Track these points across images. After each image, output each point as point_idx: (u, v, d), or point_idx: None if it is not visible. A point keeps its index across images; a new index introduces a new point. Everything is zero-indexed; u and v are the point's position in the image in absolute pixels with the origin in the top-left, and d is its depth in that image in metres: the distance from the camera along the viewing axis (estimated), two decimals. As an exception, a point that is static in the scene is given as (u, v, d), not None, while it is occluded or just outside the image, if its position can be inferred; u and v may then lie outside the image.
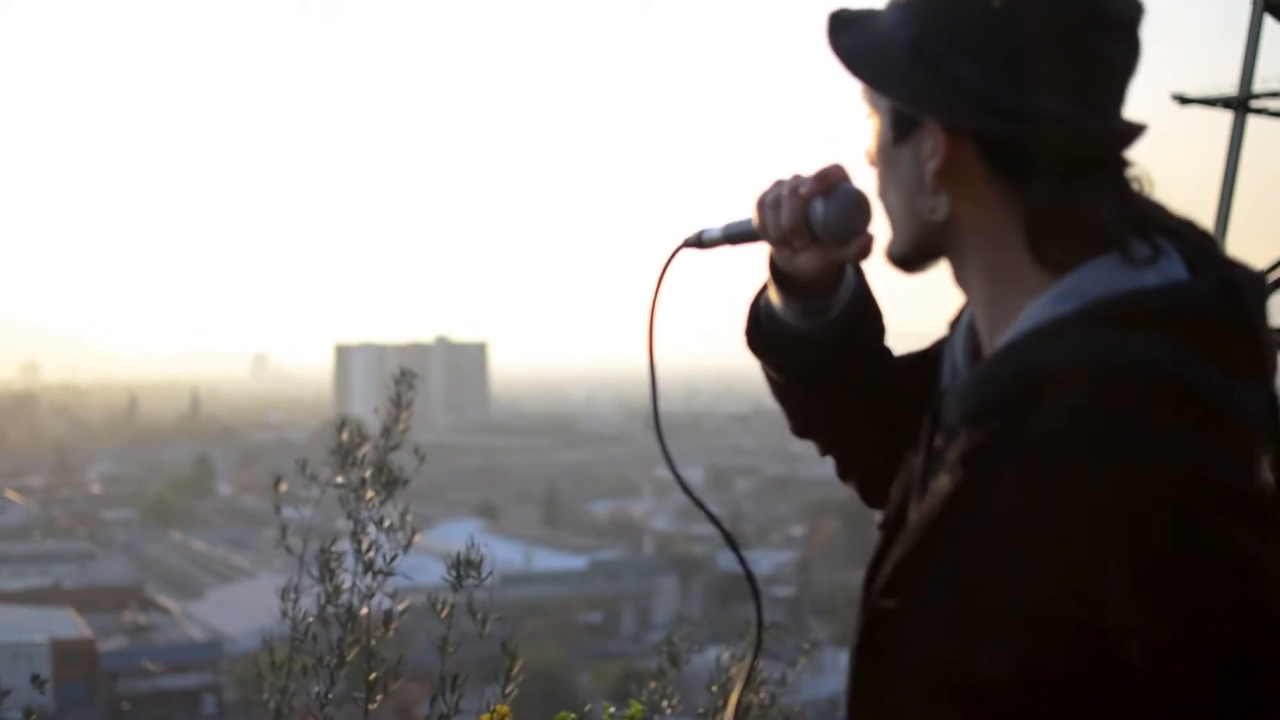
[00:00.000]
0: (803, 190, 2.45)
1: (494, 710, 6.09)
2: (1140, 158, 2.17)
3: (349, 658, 6.24)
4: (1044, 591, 1.90)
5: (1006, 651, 1.93)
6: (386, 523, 6.40)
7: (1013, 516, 1.96)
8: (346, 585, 6.33)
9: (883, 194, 2.30)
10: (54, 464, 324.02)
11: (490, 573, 5.94)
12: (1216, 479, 1.90)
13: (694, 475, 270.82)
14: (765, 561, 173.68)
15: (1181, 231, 2.18)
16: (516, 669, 5.88)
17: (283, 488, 6.49)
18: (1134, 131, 2.15)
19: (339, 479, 6.25)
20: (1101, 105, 2.13)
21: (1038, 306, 2.13)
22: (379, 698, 6.14)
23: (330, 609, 6.27)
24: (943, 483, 2.13)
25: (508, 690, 5.98)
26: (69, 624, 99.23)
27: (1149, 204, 2.19)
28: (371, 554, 6.43)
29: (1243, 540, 1.89)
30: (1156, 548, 1.86)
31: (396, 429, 6.44)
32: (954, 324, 2.44)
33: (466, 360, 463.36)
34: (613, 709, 6.35)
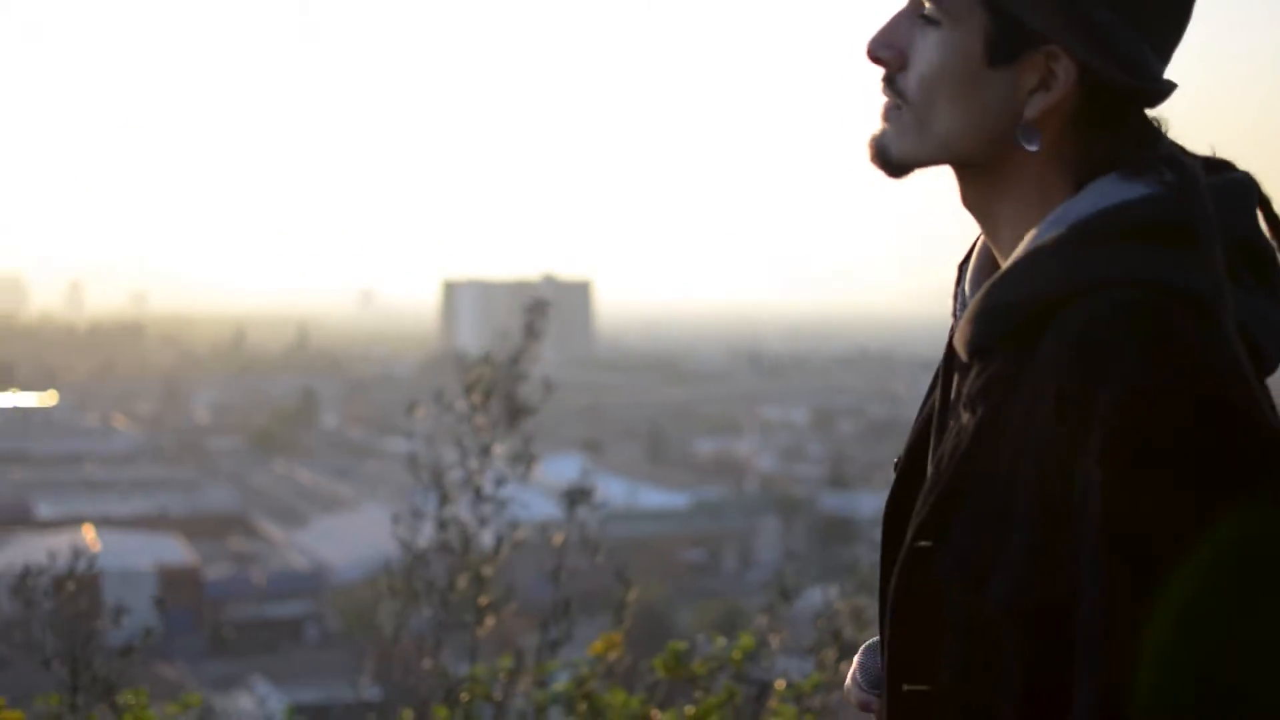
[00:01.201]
0: None
1: (607, 637, 6.06)
2: None
3: (460, 585, 6.24)
4: (1066, 502, 2.00)
5: (1029, 575, 2.03)
6: (503, 451, 6.39)
7: (1026, 449, 2.07)
8: (462, 514, 6.35)
9: (930, 102, 2.25)
10: (162, 393, 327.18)
11: (603, 502, 5.92)
12: (1216, 369, 2.00)
13: (797, 417, 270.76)
14: (868, 504, 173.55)
15: (1184, 160, 2.22)
16: (631, 598, 5.85)
17: (420, 412, 6.49)
18: (1173, 90, 2.22)
19: (462, 407, 6.20)
20: (1167, 63, 2.23)
21: (1033, 233, 2.20)
22: (488, 622, 6.12)
23: (445, 536, 6.28)
24: (963, 420, 2.22)
25: (622, 619, 5.95)
26: (175, 550, 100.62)
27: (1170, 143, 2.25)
28: (487, 483, 6.44)
29: (1270, 428, 1.99)
30: (1166, 445, 1.95)
31: (525, 359, 6.40)
32: (963, 264, 2.46)
33: (572, 298, 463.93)
34: (724, 641, 6.32)
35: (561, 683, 6.24)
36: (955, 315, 2.39)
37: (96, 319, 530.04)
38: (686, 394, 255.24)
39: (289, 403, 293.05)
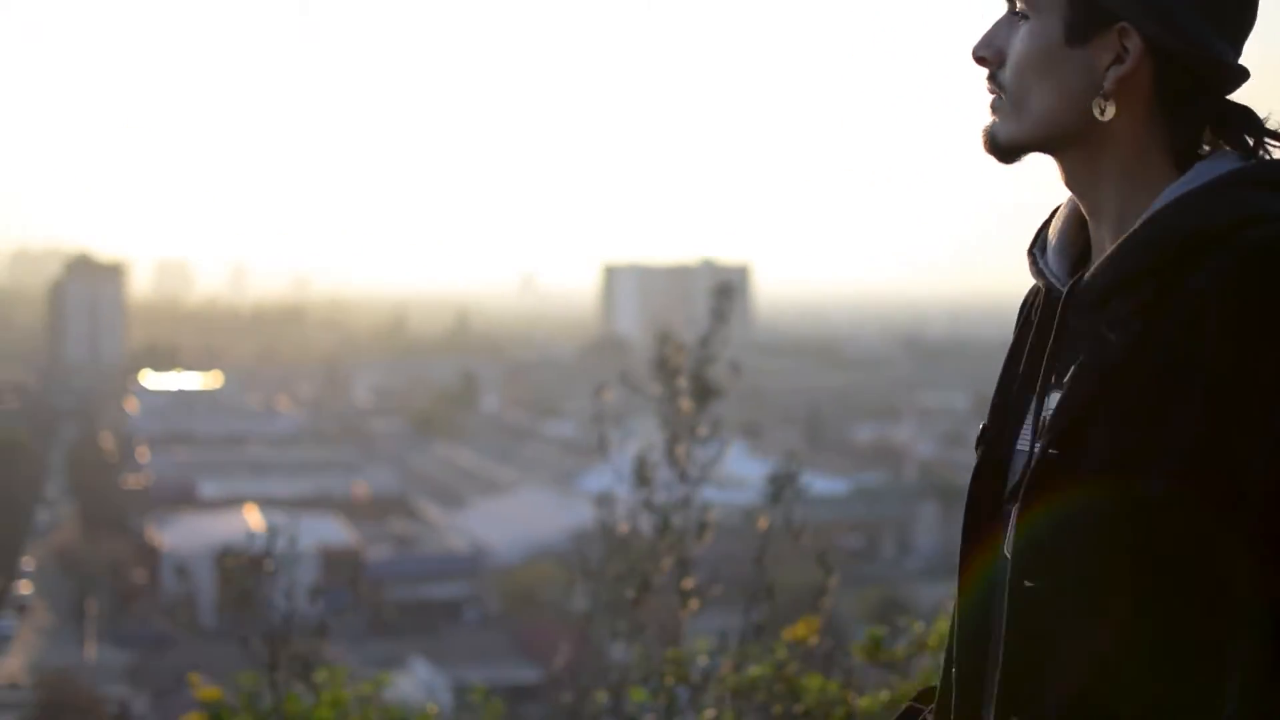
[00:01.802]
0: None
1: (807, 621, 6.15)
2: None
3: (663, 565, 6.29)
4: (1238, 405, 2.23)
5: (1193, 467, 2.24)
6: (701, 433, 6.45)
7: (1185, 363, 2.29)
8: (659, 495, 6.38)
9: (1023, 86, 2.53)
10: (323, 375, 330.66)
11: (809, 485, 6.03)
12: None
13: (958, 402, 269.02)
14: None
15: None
16: (833, 584, 5.96)
17: (608, 396, 6.54)
18: (1247, 77, 2.45)
19: (657, 390, 6.26)
20: (1239, 51, 2.47)
21: (1171, 189, 2.45)
22: (692, 604, 6.19)
23: (645, 516, 6.33)
24: (1098, 346, 2.43)
25: (822, 603, 6.04)
26: (337, 531, 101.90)
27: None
28: (691, 465, 6.49)
29: None
30: None
31: (715, 341, 6.48)
32: (1032, 246, 2.73)
33: (730, 282, 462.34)
34: (922, 626, 6.38)
35: (760, 666, 6.32)
36: (1049, 282, 2.64)
37: (259, 303, 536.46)
38: (845, 379, 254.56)
39: (449, 386, 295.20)
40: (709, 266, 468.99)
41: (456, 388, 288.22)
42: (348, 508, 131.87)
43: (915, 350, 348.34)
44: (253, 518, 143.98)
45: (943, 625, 6.54)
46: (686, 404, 6.45)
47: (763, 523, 6.22)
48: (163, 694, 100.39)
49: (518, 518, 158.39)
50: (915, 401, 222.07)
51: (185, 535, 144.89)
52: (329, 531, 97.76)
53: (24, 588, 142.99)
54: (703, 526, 6.43)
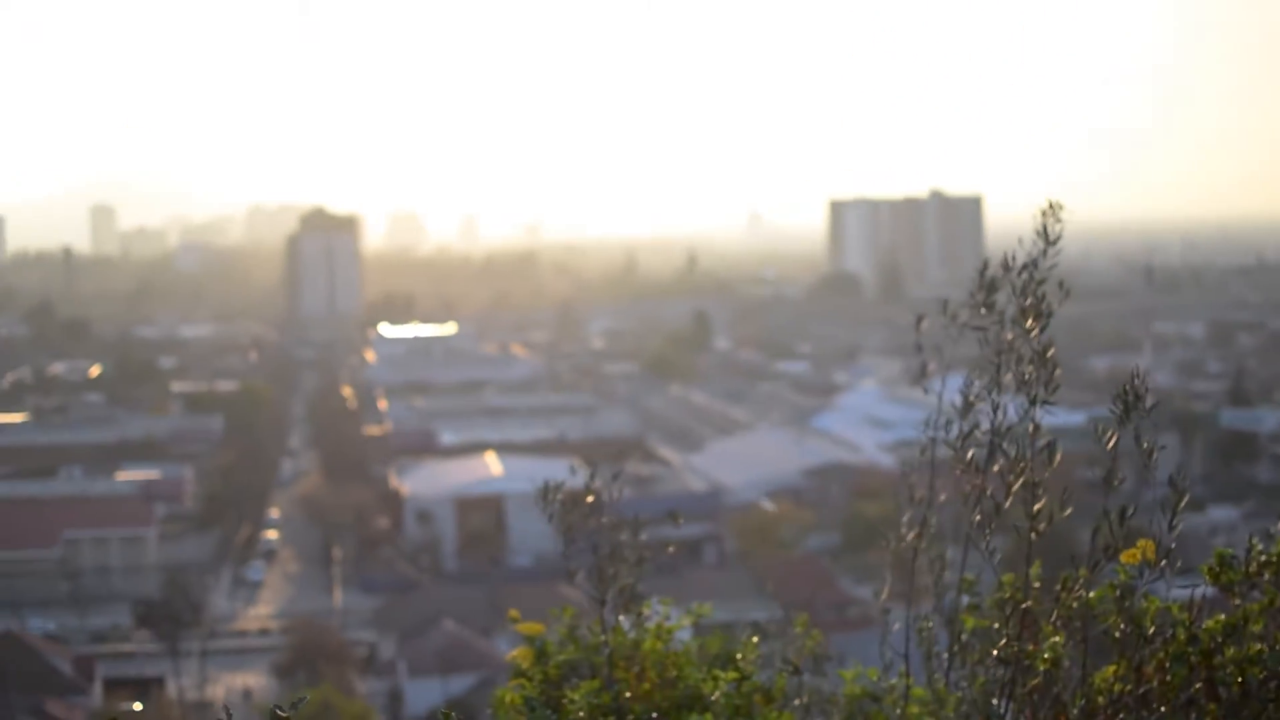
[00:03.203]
0: None
1: (1145, 544, 6.27)
2: None
3: (1013, 488, 6.35)
4: None
5: None
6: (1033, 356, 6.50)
7: None
8: (984, 421, 6.44)
9: None
10: (556, 320, 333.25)
11: (1155, 403, 6.15)
12: None
13: (1194, 332, 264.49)
14: (1269, 420, 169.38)
15: None
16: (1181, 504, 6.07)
17: (924, 323, 6.60)
18: None
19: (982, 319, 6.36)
20: None
21: None
22: (1042, 528, 6.28)
23: (974, 440, 6.40)
24: None
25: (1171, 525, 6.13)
26: (577, 474, 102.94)
27: None
28: (1028, 383, 6.51)
29: None
30: None
31: (1044, 262, 6.54)
32: None
33: (961, 214, 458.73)
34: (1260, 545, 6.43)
35: (1100, 589, 6.38)
36: None
37: (491, 251, 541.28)
38: (1080, 310, 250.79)
39: (681, 327, 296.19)
40: (938, 198, 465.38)
41: (688, 329, 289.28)
42: (585, 451, 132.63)
43: (1149, 279, 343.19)
44: (492, 463, 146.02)
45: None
46: (1019, 326, 6.49)
47: (1111, 440, 6.33)
48: (409, 636, 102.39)
49: (753, 457, 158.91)
50: (1151, 331, 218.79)
51: (426, 481, 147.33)
52: (568, 474, 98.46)
53: (272, 536, 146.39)
54: (1050, 447, 6.53)
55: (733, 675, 6.89)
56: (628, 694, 6.74)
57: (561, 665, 7.05)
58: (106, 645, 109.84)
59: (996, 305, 6.48)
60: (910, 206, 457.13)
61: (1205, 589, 6.55)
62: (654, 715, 6.73)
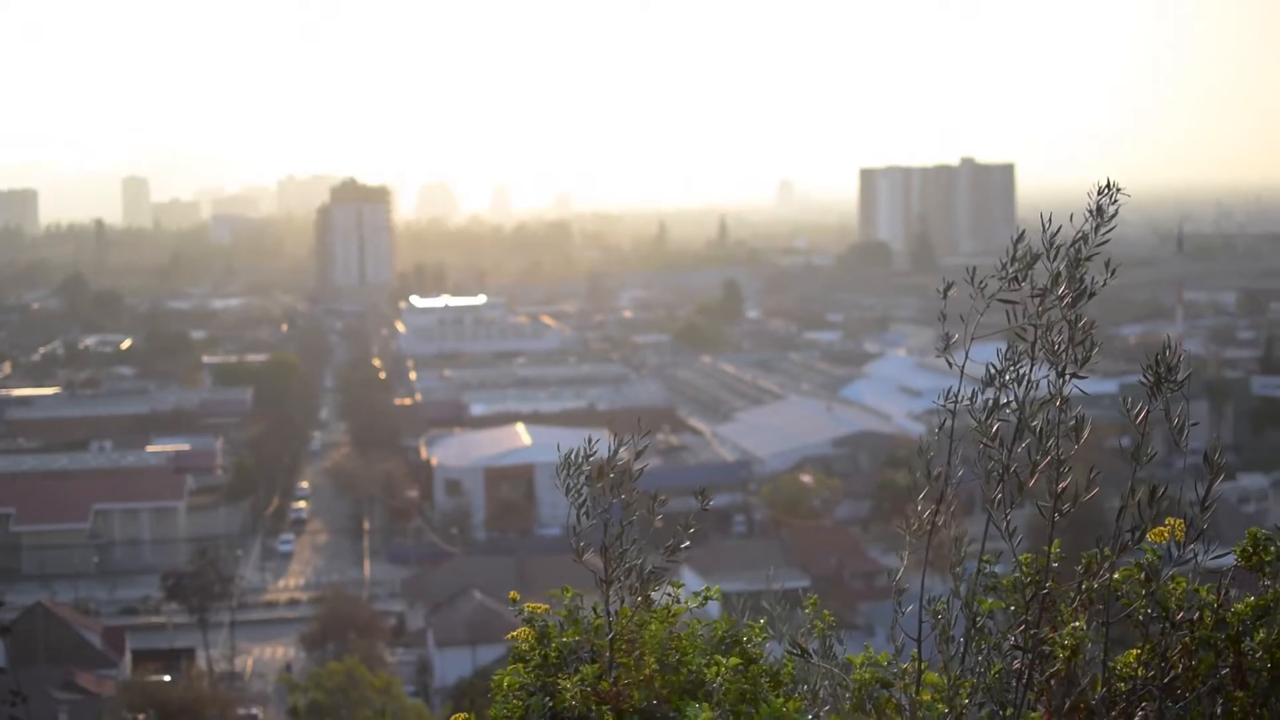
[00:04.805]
0: None
1: (1174, 522, 6.01)
2: None
3: (1039, 465, 6.09)
4: None
5: None
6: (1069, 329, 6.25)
7: None
8: (1013, 394, 6.18)
9: None
10: (587, 290, 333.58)
11: (1189, 374, 5.91)
12: None
13: (1225, 300, 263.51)
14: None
15: None
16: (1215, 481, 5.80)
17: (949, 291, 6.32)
18: None
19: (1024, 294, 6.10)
20: None
21: None
22: (1067, 508, 6.03)
23: (1000, 414, 6.14)
24: None
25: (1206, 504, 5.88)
26: (604, 445, 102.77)
27: None
28: (1061, 357, 6.28)
29: None
30: None
31: (1094, 239, 6.28)
32: None
33: (993, 182, 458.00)
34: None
35: (1125, 569, 6.13)
36: None
37: (522, 222, 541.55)
38: (1113, 278, 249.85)
39: (711, 296, 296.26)
40: (970, 165, 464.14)
41: (719, 298, 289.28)
42: (615, 421, 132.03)
43: (1181, 246, 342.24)
44: (522, 434, 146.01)
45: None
46: (1053, 298, 6.22)
47: (1140, 416, 6.06)
48: (437, 607, 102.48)
49: (783, 427, 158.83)
50: (1183, 299, 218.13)
51: (456, 453, 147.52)
52: (597, 446, 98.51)
53: (301, 507, 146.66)
54: (1078, 423, 6.24)
55: (735, 661, 6.61)
56: (626, 680, 6.46)
57: (562, 648, 6.77)
58: (136, 617, 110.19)
59: (1030, 277, 6.20)
60: (942, 174, 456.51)
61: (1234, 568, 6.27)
62: (654, 702, 6.46)
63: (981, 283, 6.18)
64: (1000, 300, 6.21)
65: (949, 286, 6.41)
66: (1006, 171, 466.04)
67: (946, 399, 6.22)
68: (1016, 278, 6.22)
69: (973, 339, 6.28)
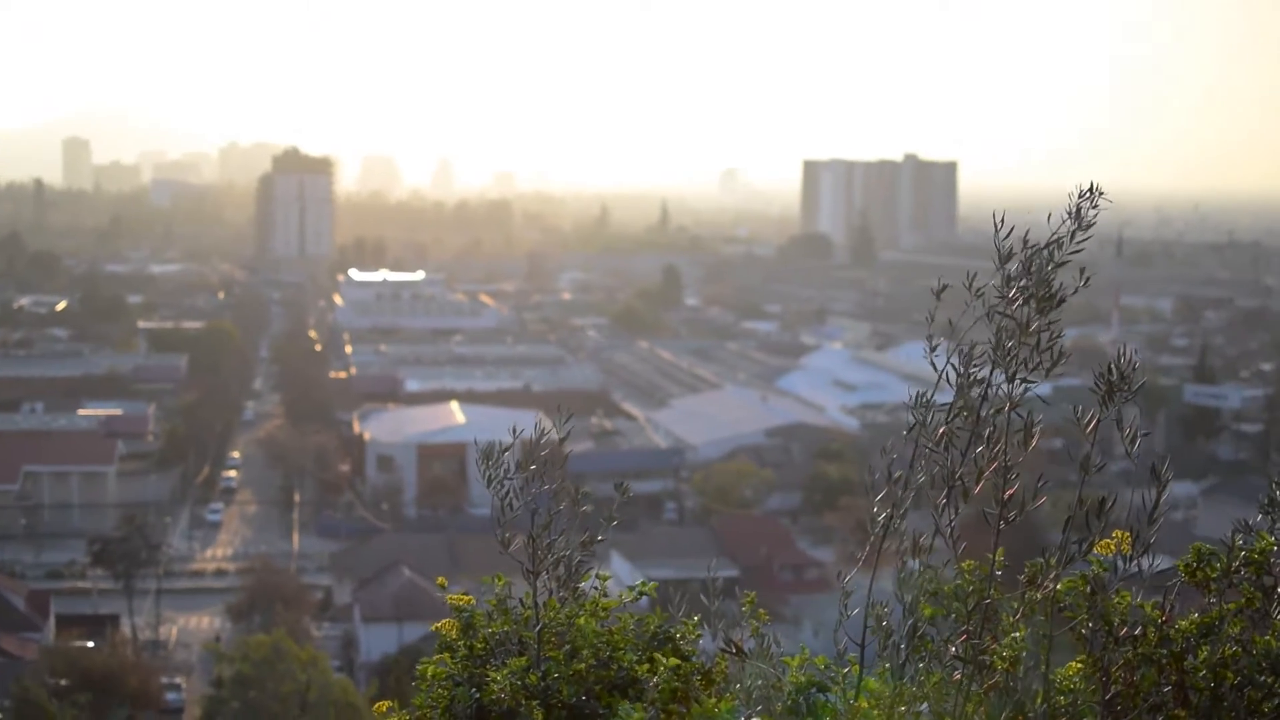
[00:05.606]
0: None
1: (1120, 535, 5.92)
2: None
3: (985, 471, 6.00)
4: None
5: None
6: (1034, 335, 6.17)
7: None
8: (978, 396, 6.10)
9: None
10: (526, 270, 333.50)
11: (1142, 383, 5.81)
12: None
13: (1161, 306, 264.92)
14: (1233, 397, 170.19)
15: None
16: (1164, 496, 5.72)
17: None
18: None
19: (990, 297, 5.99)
20: None
21: None
22: (1013, 516, 5.94)
23: (962, 418, 6.05)
24: None
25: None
26: (534, 429, 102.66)
27: None
28: (1018, 365, 6.21)
29: None
30: None
31: (1070, 244, 6.19)
32: None
33: (935, 179, 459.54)
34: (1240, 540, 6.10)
35: (1066, 581, 6.03)
36: None
37: (464, 199, 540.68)
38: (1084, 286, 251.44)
39: (651, 281, 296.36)
40: (913, 162, 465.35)
41: (658, 284, 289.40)
42: (550, 403, 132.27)
43: (1120, 252, 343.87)
44: (456, 412, 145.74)
45: (1265, 539, 6.23)
46: (1025, 310, 6.12)
47: (1091, 425, 5.96)
48: (365, 582, 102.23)
49: (717, 416, 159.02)
50: (1119, 304, 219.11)
51: (390, 428, 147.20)
52: (529, 427, 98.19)
53: (232, 476, 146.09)
54: (1029, 429, 6.14)
55: (674, 661, 6.47)
56: (555, 675, 6.32)
57: (489, 639, 6.62)
58: (62, 581, 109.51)
59: (1006, 277, 6.11)
60: (885, 169, 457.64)
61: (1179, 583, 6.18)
62: (584, 698, 6.32)
63: (943, 286, 6.10)
64: (999, 314, 6.14)
65: (944, 289, 6.30)
66: (949, 169, 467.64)
67: (916, 405, 6.13)
68: (1003, 295, 6.15)
69: (933, 340, 6.19)
